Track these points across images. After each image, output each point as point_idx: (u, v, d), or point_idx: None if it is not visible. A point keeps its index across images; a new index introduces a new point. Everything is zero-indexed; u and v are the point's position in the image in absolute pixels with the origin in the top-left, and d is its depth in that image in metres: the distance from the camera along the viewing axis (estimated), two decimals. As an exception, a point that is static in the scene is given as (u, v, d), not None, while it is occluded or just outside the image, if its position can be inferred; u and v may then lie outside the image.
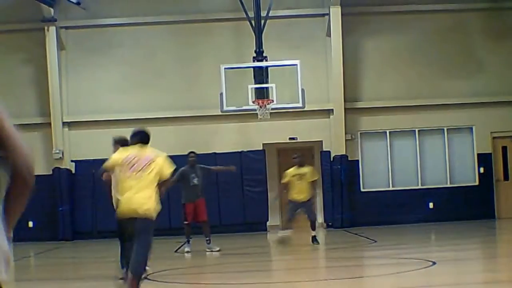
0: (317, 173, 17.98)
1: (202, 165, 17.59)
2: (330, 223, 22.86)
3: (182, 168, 16.89)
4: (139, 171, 9.64)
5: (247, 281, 11.91)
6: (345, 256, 15.48)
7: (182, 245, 17.21)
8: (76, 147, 23.49)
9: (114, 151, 11.40)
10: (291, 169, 17.64)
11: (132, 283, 9.36)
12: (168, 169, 9.94)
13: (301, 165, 17.58)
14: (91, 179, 22.61)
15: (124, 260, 10.86)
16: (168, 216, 21.78)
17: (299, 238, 20.00)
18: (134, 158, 9.76)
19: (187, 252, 16.79)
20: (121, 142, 12.52)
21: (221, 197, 22.95)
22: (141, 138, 10.18)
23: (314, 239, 17.49)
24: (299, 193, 17.10)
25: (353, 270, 13.23)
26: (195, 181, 16.99)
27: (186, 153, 23.43)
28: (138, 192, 9.66)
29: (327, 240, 19.99)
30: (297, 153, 18.39)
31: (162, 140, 23.18)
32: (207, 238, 17.11)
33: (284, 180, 17.51)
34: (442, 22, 23.89)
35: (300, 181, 17.20)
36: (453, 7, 23.74)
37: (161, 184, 9.89)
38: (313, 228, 17.52)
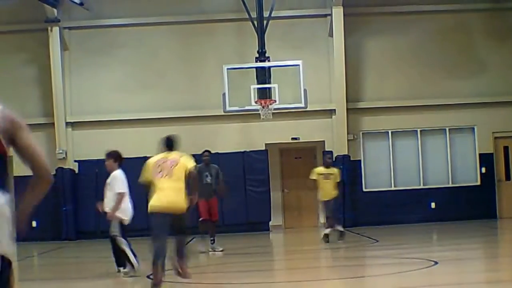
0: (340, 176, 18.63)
1: (215, 166, 17.61)
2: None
3: (198, 165, 16.95)
4: (167, 174, 10.85)
5: (249, 281, 11.96)
6: (347, 255, 15.53)
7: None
8: (79, 147, 23.56)
9: (108, 165, 12.97)
10: (319, 168, 18.23)
11: (182, 265, 11.17)
12: (190, 162, 11.24)
13: (329, 165, 18.13)
14: (94, 179, 22.69)
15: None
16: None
17: (300, 238, 20.08)
18: (162, 163, 11.02)
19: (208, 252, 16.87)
20: (113, 156, 13.31)
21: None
22: (165, 143, 11.56)
23: (341, 234, 17.87)
24: (325, 192, 17.60)
25: (355, 269, 13.27)
26: (208, 179, 17.13)
27: (188, 153, 23.45)
28: (171, 192, 10.76)
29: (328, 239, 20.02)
30: (328, 153, 19.58)
31: (164, 140, 23.30)
32: (212, 238, 17.16)
33: (313, 177, 17.95)
34: (444, 23, 23.94)
35: (327, 181, 17.68)
36: (455, 7, 23.79)
37: (188, 177, 11.01)
38: (335, 225, 17.68)
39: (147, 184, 11.13)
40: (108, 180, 13.11)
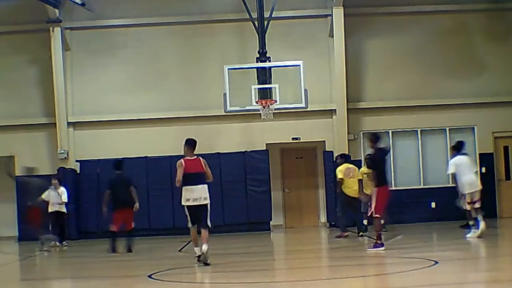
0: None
1: None
2: (333, 223, 22.94)
3: None
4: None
5: (250, 280, 12.00)
6: (347, 255, 15.57)
7: (186, 245, 17.27)
8: (81, 147, 23.63)
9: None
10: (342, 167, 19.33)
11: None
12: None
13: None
14: (96, 178, 22.80)
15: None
16: (172, 216, 21.95)
17: (300, 238, 20.11)
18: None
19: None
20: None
21: (224, 196, 23.05)
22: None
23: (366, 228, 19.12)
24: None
25: (356, 269, 13.31)
26: None
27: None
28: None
29: (329, 239, 20.08)
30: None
31: (165, 140, 23.42)
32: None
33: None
34: (444, 23, 24.00)
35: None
36: (455, 7, 23.85)
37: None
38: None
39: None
40: None
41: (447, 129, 23.94)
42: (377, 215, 15.31)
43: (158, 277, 12.44)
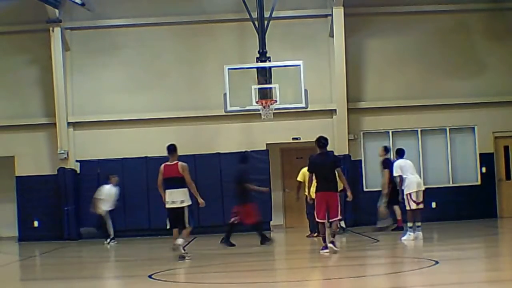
0: None
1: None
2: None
3: None
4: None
5: (251, 281, 12.00)
6: (348, 255, 15.57)
7: (186, 245, 17.26)
8: (81, 147, 23.62)
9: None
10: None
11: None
12: None
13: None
14: (96, 179, 22.80)
15: None
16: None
17: (300, 238, 20.12)
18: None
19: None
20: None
21: (225, 196, 23.04)
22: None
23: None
24: None
25: (356, 269, 13.31)
26: None
27: (190, 153, 23.67)
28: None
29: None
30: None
31: (166, 140, 23.30)
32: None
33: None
34: (444, 23, 24.01)
35: None
36: (455, 7, 23.87)
37: None
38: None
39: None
40: None
41: (447, 129, 23.94)
42: (317, 220, 15.25)
43: (158, 277, 12.44)
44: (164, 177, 15.17)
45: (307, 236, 20.09)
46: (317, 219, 15.20)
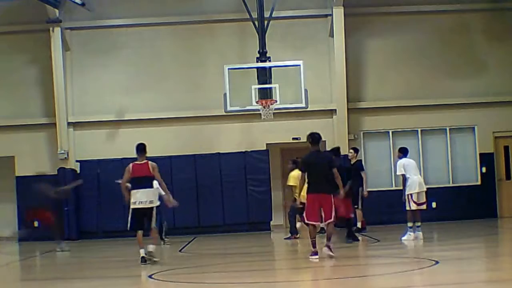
0: None
1: None
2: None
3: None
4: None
5: (251, 281, 12.00)
6: (348, 255, 15.57)
7: (186, 245, 17.25)
8: (81, 147, 23.63)
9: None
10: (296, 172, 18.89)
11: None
12: None
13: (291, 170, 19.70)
14: (96, 179, 22.80)
15: None
16: (172, 216, 21.92)
17: (300, 238, 20.11)
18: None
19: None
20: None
21: (225, 196, 23.07)
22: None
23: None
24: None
25: (356, 269, 13.31)
26: None
27: (190, 153, 23.66)
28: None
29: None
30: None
31: (166, 140, 23.43)
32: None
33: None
34: (444, 23, 24.01)
35: None
36: (455, 7, 23.87)
37: None
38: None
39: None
40: None
41: (447, 129, 23.95)
42: (307, 222, 14.18)
43: (158, 277, 12.44)
44: (133, 176, 14.57)
45: (285, 239, 19.89)
46: (307, 221, 14.13)
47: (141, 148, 14.86)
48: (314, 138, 14.37)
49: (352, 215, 18.26)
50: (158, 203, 14.72)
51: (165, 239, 19.41)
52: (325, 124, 23.63)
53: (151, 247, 14.31)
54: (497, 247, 16.50)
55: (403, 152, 18.03)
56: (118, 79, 23.91)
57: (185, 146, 23.40)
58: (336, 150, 18.18)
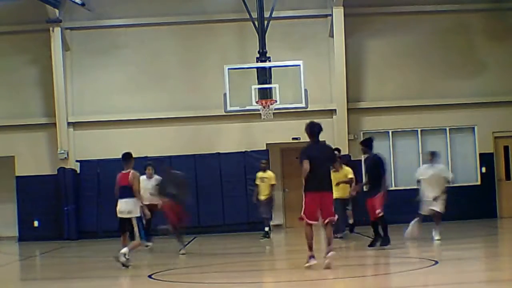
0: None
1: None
2: (333, 223, 22.90)
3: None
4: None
5: (251, 280, 12.01)
6: (347, 255, 15.58)
7: (186, 245, 17.23)
8: (81, 147, 23.63)
9: None
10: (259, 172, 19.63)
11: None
12: None
13: (265, 170, 20.65)
14: (96, 179, 22.82)
15: None
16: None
17: (300, 238, 20.11)
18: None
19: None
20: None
21: (225, 196, 23.07)
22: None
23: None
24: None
25: (356, 269, 13.32)
26: None
27: (190, 153, 23.64)
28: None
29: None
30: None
31: (166, 140, 23.44)
32: None
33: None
34: (444, 23, 24.02)
35: (263, 183, 20.38)
36: (455, 7, 23.89)
37: None
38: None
39: None
40: None
41: (447, 129, 23.96)
42: (308, 222, 12.88)
43: (158, 277, 12.45)
44: (117, 185, 14.48)
45: (260, 239, 20.08)
46: (307, 221, 12.74)
47: (125, 157, 14.66)
48: (316, 128, 12.88)
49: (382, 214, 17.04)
50: (137, 214, 14.25)
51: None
52: (325, 124, 23.15)
53: (124, 250, 14.00)
54: (497, 247, 16.52)
55: (434, 156, 17.64)
56: (118, 79, 23.91)
57: (185, 146, 23.40)
58: (337, 152, 18.18)
